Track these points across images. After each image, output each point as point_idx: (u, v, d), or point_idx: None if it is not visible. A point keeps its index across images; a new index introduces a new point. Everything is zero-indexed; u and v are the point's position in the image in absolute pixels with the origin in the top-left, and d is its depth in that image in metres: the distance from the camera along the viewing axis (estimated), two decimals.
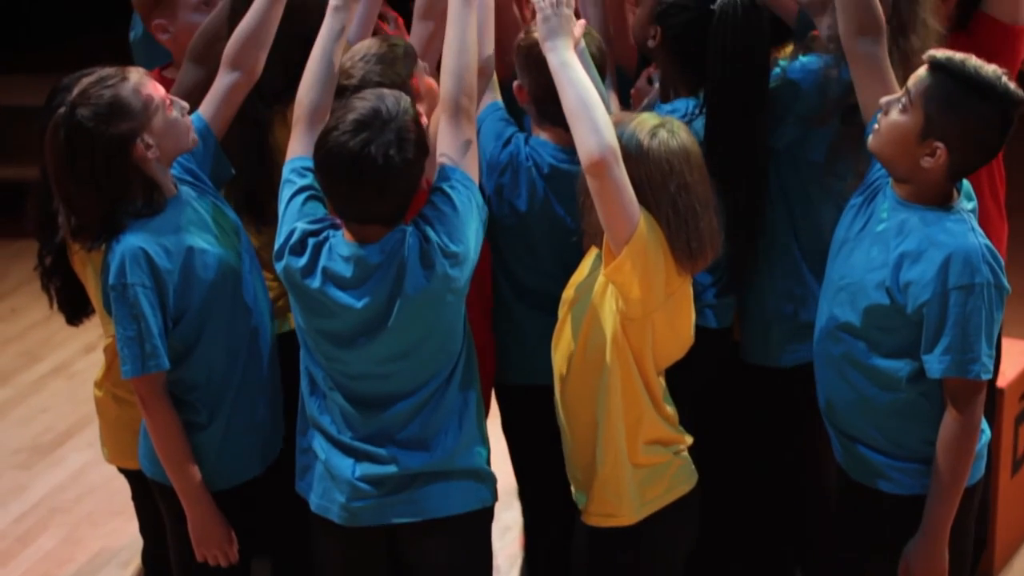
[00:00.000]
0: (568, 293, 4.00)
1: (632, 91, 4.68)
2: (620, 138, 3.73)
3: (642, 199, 3.74)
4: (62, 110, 3.84)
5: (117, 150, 3.84)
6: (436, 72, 4.18)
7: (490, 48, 4.15)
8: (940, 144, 3.74)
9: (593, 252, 3.95)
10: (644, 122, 3.83)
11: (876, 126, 3.85)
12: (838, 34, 4.12)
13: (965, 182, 3.96)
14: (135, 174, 3.88)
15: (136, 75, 3.91)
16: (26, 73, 9.07)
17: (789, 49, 4.43)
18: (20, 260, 8.15)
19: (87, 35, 9.37)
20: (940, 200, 3.83)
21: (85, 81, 3.89)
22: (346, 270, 3.72)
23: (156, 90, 3.92)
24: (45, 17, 9.64)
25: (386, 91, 3.76)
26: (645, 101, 4.58)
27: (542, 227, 4.30)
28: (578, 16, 4.04)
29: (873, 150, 3.87)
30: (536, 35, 3.97)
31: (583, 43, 4.13)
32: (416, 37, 4.42)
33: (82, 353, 7.33)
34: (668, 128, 3.82)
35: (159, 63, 4.97)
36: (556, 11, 3.90)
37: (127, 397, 4.26)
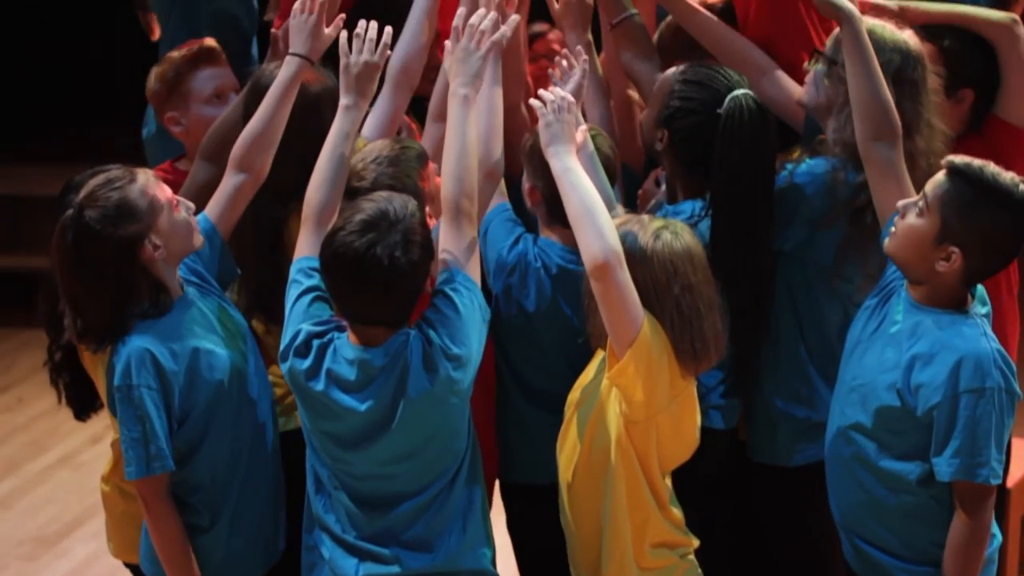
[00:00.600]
0: (574, 395, 4.00)
1: (639, 192, 4.69)
2: (624, 241, 3.75)
3: (646, 301, 3.75)
4: (70, 212, 3.85)
5: (125, 252, 3.84)
6: None
7: (498, 152, 4.15)
8: (956, 249, 3.75)
9: (599, 354, 3.95)
10: (647, 224, 3.85)
11: (892, 229, 3.87)
12: (844, 137, 4.16)
13: (980, 287, 3.97)
14: (142, 276, 3.88)
15: (143, 176, 3.92)
16: (38, 163, 9.12)
17: (796, 154, 4.43)
18: (28, 350, 8.17)
19: (98, 125, 9.45)
20: (954, 304, 3.84)
21: (93, 182, 3.89)
22: (350, 373, 3.72)
23: (163, 191, 3.93)
24: (57, 107, 9.70)
25: (394, 193, 3.78)
26: (652, 202, 4.59)
27: (550, 328, 4.30)
28: (586, 117, 4.06)
29: (889, 252, 3.89)
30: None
31: (591, 145, 4.16)
32: (429, 138, 4.46)
33: (89, 444, 7.32)
34: (671, 230, 3.84)
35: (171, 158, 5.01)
36: (558, 117, 3.94)
37: (133, 492, 4.22)
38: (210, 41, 5.01)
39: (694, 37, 4.69)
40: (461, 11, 4.18)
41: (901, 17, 4.51)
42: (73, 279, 3.87)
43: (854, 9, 4.12)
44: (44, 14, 9.75)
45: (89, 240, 3.82)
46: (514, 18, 4.22)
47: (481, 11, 4.08)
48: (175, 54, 4.96)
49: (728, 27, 4.67)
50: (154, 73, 4.96)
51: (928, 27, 4.70)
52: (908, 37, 4.27)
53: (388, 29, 4.13)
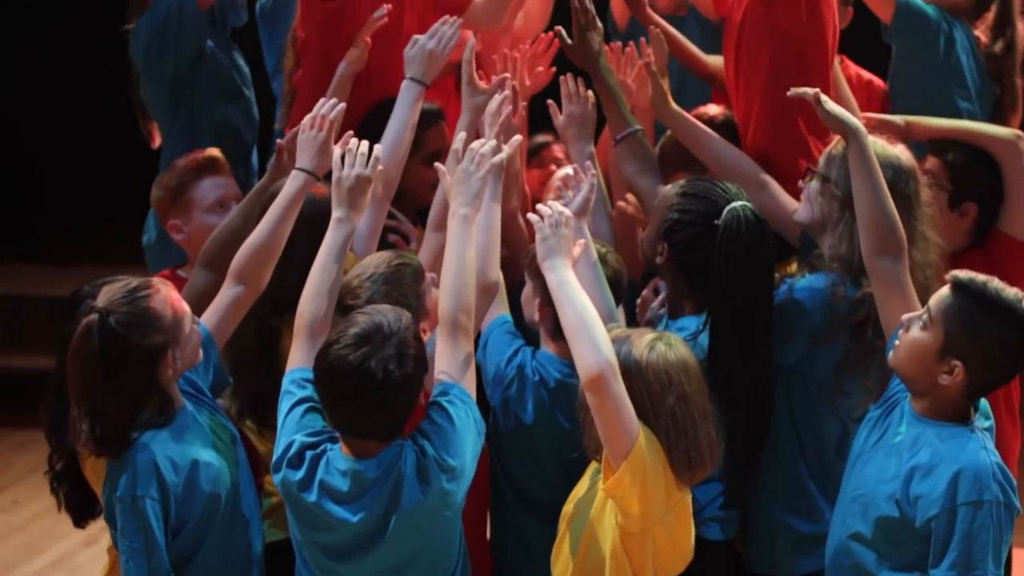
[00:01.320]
0: (567, 508, 3.98)
1: (638, 301, 4.69)
2: (618, 354, 3.76)
3: (641, 413, 3.75)
4: (93, 317, 3.81)
5: (149, 362, 3.84)
6: None
7: (495, 269, 4.16)
8: (958, 363, 3.76)
9: (592, 467, 3.95)
10: (641, 336, 3.87)
11: (897, 342, 3.88)
12: (840, 254, 4.22)
13: (983, 401, 3.96)
14: (157, 386, 3.88)
15: (164, 288, 3.92)
16: (35, 263, 9.14)
17: (793, 266, 4.45)
18: (24, 451, 8.11)
19: (98, 227, 9.48)
20: (957, 417, 3.84)
21: (114, 289, 3.87)
22: (343, 484, 3.70)
23: (181, 305, 3.93)
24: (55, 208, 9.74)
25: (387, 306, 3.79)
26: (649, 313, 4.59)
27: (548, 440, 4.29)
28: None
29: (893, 366, 3.91)
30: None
31: (594, 256, 4.20)
32: (427, 248, 4.49)
33: (83, 546, 7.24)
34: (665, 341, 3.86)
35: (172, 266, 5.04)
36: (555, 231, 3.96)
37: None
38: (214, 151, 5.06)
39: (690, 150, 4.74)
40: (461, 135, 4.23)
41: (906, 133, 4.56)
42: (95, 385, 3.83)
43: (860, 125, 4.16)
44: (45, 117, 9.82)
45: (115, 346, 3.80)
46: (516, 139, 4.25)
47: (483, 138, 4.12)
48: (180, 163, 5.01)
49: (723, 140, 4.73)
50: (158, 181, 5.01)
51: (933, 142, 4.76)
52: (900, 152, 4.31)
53: (377, 146, 4.16)
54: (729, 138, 4.77)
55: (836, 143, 4.33)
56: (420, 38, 4.70)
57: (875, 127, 4.43)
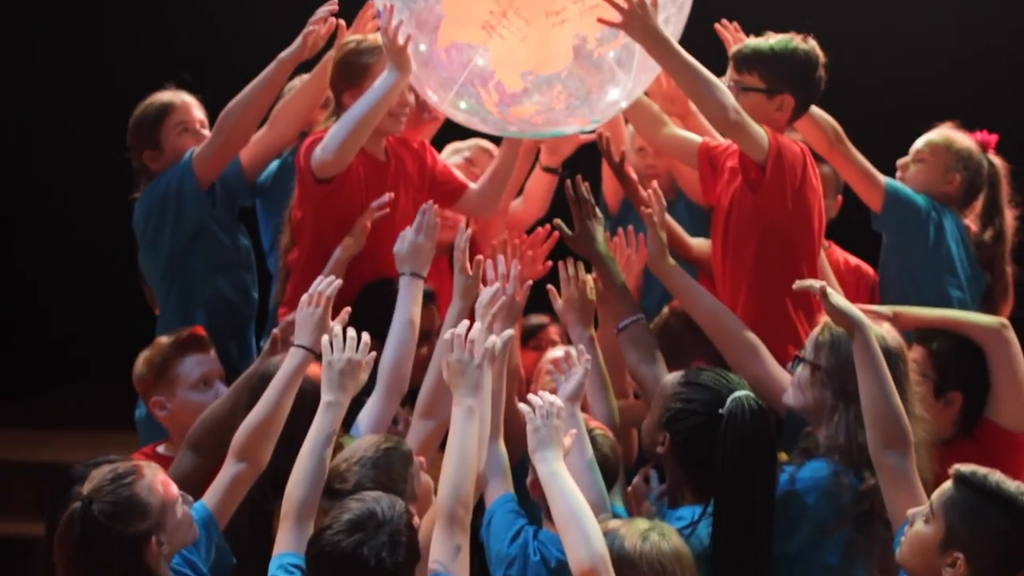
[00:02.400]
0: None
1: (629, 489, 4.66)
2: (611, 546, 3.76)
3: None
4: (77, 505, 3.78)
5: (132, 549, 3.79)
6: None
7: (483, 462, 4.14)
8: (960, 555, 3.74)
9: None
10: (634, 527, 3.87)
11: (903, 537, 3.87)
12: (838, 444, 4.21)
13: None
14: (145, 568, 3.82)
15: (150, 471, 3.89)
16: (23, 428, 9.08)
17: (781, 456, 4.41)
18: None
19: (84, 389, 9.41)
20: None
21: (99, 475, 3.85)
22: None
23: (169, 488, 3.89)
24: (42, 370, 9.68)
25: (382, 493, 3.77)
26: (644, 502, 4.57)
27: None
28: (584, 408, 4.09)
29: (899, 561, 3.89)
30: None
31: (588, 445, 4.20)
32: (415, 434, 4.48)
33: None
34: (659, 531, 3.86)
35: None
36: (546, 422, 3.97)
37: None
38: (198, 329, 5.08)
39: (687, 311, 4.80)
40: (452, 326, 4.22)
41: (894, 323, 4.57)
42: (77, 572, 3.79)
43: (864, 318, 4.17)
44: (40, 275, 9.83)
45: (97, 536, 3.76)
46: (508, 332, 4.25)
47: (475, 325, 4.11)
48: (163, 340, 5.02)
49: (722, 305, 4.75)
50: (141, 358, 5.00)
51: (920, 331, 4.77)
52: (887, 331, 4.32)
53: (365, 335, 4.19)
54: (700, 336, 4.78)
55: (823, 329, 4.35)
56: (407, 233, 4.76)
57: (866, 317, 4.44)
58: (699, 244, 5.34)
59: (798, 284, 4.33)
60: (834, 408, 4.26)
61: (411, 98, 5.09)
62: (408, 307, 4.66)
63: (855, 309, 4.20)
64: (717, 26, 5.34)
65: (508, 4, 4.48)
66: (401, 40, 4.68)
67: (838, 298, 4.22)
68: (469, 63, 4.62)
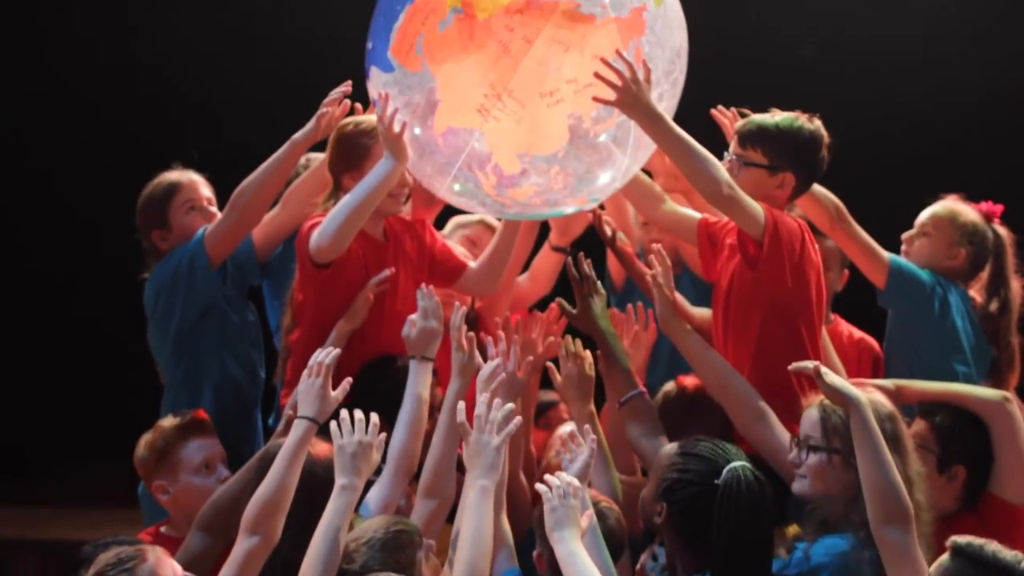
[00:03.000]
0: None
1: (636, 568, 4.63)
2: None
3: None
4: None
5: None
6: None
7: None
8: None
9: None
10: None
11: None
12: (854, 523, 4.18)
13: None
14: None
15: (153, 555, 3.88)
16: (28, 506, 9.07)
17: (791, 529, 4.40)
18: None
19: (90, 465, 9.40)
20: None
21: (103, 559, 3.85)
22: None
23: (174, 569, 3.89)
24: (46, 448, 9.67)
25: (391, 574, 3.81)
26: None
27: None
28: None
29: None
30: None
31: (595, 524, 4.19)
32: (418, 515, 4.48)
33: None
34: None
35: (162, 516, 5.02)
36: (563, 502, 3.99)
37: None
38: (200, 412, 5.08)
39: (696, 372, 4.80)
40: (461, 406, 4.24)
41: (897, 396, 4.58)
42: None
43: (860, 395, 4.19)
44: (43, 352, 9.83)
45: None
46: (508, 406, 4.23)
47: (493, 401, 4.15)
48: (164, 423, 5.02)
49: (732, 368, 4.75)
50: (143, 441, 5.00)
51: (922, 405, 4.76)
52: (877, 399, 4.31)
53: (374, 416, 4.20)
54: (701, 413, 4.82)
55: (824, 411, 4.33)
56: (414, 318, 4.76)
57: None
58: (701, 314, 5.36)
59: (793, 367, 4.36)
60: (845, 489, 4.24)
61: (410, 179, 5.10)
62: (419, 389, 4.67)
63: (851, 387, 4.21)
64: (714, 111, 5.38)
65: (502, 87, 4.50)
66: (397, 128, 4.70)
67: (833, 377, 4.23)
68: (466, 147, 4.64)
